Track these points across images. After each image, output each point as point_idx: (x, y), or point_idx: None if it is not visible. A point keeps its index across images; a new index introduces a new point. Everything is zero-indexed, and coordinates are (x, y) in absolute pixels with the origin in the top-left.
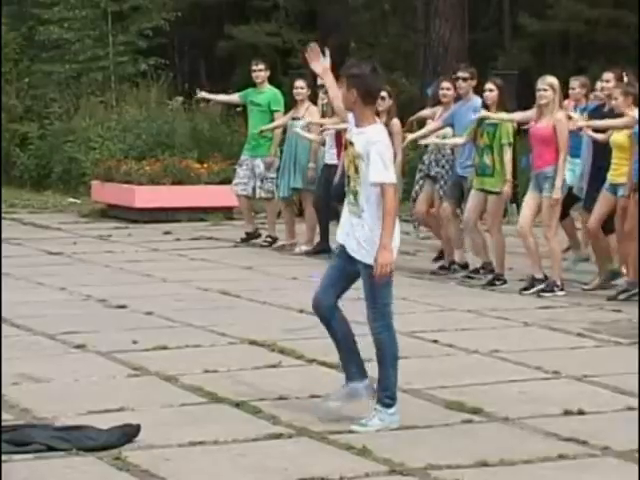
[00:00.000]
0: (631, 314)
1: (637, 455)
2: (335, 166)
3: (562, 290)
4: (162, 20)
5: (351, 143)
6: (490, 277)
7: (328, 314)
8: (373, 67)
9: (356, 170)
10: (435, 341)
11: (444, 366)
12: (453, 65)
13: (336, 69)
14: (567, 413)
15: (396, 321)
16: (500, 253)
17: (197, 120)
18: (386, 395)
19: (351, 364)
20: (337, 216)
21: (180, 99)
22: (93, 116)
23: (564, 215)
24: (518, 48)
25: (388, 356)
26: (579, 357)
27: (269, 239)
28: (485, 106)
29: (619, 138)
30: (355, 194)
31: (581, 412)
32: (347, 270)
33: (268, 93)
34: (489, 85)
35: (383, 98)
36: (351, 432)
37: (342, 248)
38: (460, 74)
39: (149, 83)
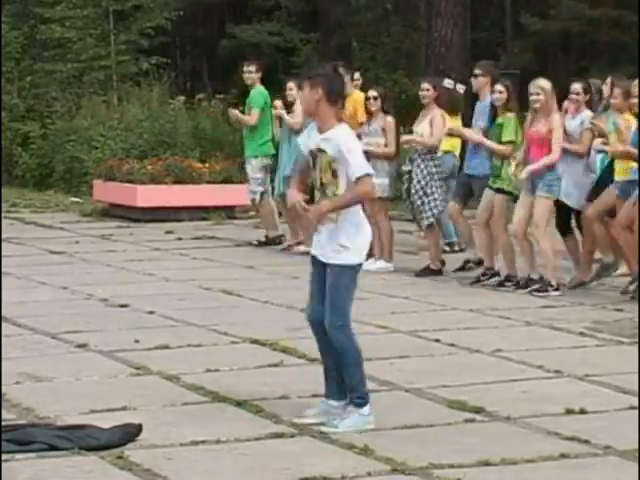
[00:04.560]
0: (633, 313)
1: (637, 455)
2: None
3: (557, 290)
4: (164, 19)
5: (320, 150)
6: (500, 279)
7: (322, 328)
8: (335, 68)
9: (334, 174)
10: (437, 340)
11: (446, 365)
12: (454, 65)
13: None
14: (569, 412)
15: (398, 320)
16: (508, 253)
17: (199, 119)
18: (356, 396)
19: (333, 381)
20: None
21: (182, 98)
22: (95, 115)
23: (566, 231)
24: (520, 47)
25: (349, 357)
26: (581, 356)
27: (264, 238)
28: (493, 107)
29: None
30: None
31: (583, 411)
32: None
33: (252, 92)
34: (499, 87)
35: (376, 98)
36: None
37: (314, 260)
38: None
39: (151, 82)
